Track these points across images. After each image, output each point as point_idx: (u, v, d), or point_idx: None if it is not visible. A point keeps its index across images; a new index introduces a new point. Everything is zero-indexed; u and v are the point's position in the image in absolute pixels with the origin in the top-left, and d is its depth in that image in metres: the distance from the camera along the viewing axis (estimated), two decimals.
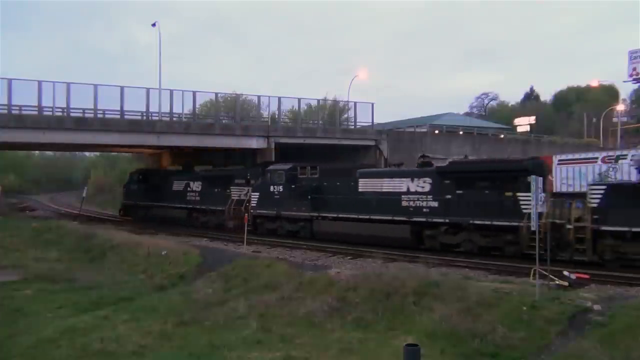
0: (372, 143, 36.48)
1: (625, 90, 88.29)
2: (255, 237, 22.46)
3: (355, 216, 21.23)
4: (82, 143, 32.90)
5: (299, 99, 37.27)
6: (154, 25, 36.22)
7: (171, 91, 32.59)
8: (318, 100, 41.66)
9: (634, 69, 57.37)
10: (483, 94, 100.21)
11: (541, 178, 12.26)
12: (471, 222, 17.83)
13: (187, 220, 31.83)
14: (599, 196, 15.27)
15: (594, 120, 66.66)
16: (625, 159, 21.82)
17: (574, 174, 23.76)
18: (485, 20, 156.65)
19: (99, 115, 30.73)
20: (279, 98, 36.10)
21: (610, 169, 22.06)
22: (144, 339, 10.69)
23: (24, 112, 29.17)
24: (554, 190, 21.56)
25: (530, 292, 11.13)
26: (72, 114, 29.88)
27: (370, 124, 38.38)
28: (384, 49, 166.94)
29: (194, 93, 33.73)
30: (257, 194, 25.86)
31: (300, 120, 38.04)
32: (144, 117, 32.12)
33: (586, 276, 13.31)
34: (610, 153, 24.29)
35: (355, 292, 12.12)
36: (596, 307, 10.35)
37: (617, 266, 14.63)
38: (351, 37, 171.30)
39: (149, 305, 13.64)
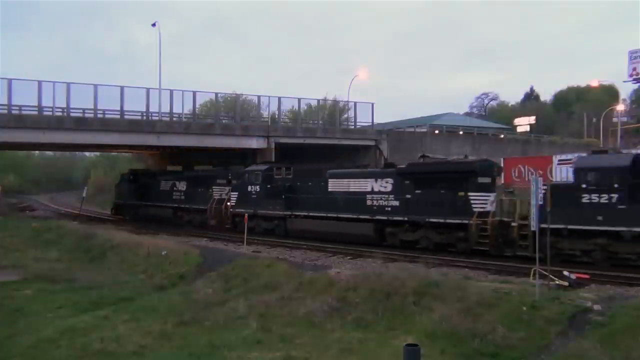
0: (372, 143, 36.49)
1: (625, 90, 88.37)
2: (255, 237, 22.50)
3: (325, 214, 22.30)
4: (82, 143, 32.97)
5: (299, 99, 37.34)
6: (154, 25, 36.30)
7: (171, 91, 32.64)
8: (318, 100, 41.74)
9: (634, 69, 57.50)
10: (483, 94, 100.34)
11: (541, 178, 12.24)
12: (427, 220, 18.89)
13: (172, 219, 32.88)
14: (541, 195, 15.70)
15: (594, 120, 66.65)
16: None
17: None
18: (485, 20, 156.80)
19: (99, 115, 30.77)
20: (279, 98, 36.15)
21: None
22: (144, 339, 10.69)
23: (24, 112, 29.19)
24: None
25: (530, 292, 11.13)
26: (72, 114, 29.91)
27: (370, 124, 38.40)
28: (384, 49, 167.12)
29: (194, 93, 33.79)
30: (236, 193, 26.93)
31: (300, 120, 38.05)
32: (144, 117, 32.14)
33: (586, 276, 13.31)
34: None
35: (355, 292, 12.11)
36: (596, 307, 10.35)
37: (557, 262, 15.24)
38: (351, 37, 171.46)
39: (149, 305, 13.63)
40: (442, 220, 18.55)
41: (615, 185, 14.87)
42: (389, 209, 20.26)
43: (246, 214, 21.97)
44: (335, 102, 45.28)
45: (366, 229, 20.84)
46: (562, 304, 10.44)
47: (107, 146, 39.54)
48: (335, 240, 21.13)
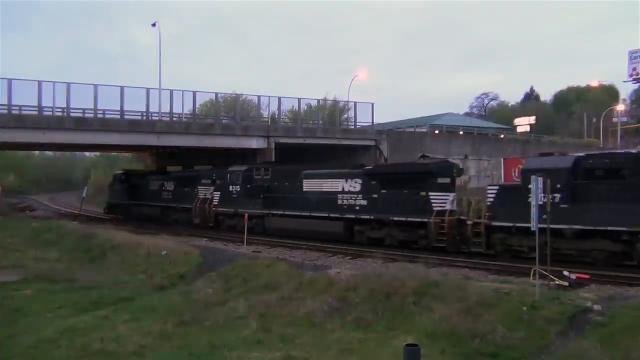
0: (372, 143, 36.47)
1: (625, 90, 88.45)
2: (255, 237, 22.51)
3: (300, 213, 23.24)
4: (82, 143, 32.93)
5: (299, 99, 37.32)
6: (154, 25, 36.31)
7: (171, 91, 32.62)
8: (318, 100, 41.71)
9: (634, 69, 57.49)
10: (483, 94, 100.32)
11: (540, 178, 12.22)
12: (391, 218, 19.95)
13: (160, 218, 33.93)
14: (493, 195, 17.53)
15: (594, 120, 66.67)
16: None
17: None
18: (485, 20, 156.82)
19: (99, 115, 30.75)
20: (279, 98, 36.13)
21: None
22: (144, 339, 10.68)
23: (24, 112, 29.18)
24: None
25: (530, 292, 11.13)
26: (72, 114, 29.89)
27: (370, 124, 38.38)
28: (384, 49, 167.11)
29: (194, 93, 33.78)
30: (219, 193, 28.21)
31: (300, 120, 38.04)
32: (144, 117, 32.13)
33: (586, 276, 13.31)
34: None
35: (355, 292, 12.11)
36: (596, 307, 10.35)
37: (508, 257, 16.67)
38: (351, 37, 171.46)
39: (149, 305, 13.63)
40: (404, 219, 19.55)
41: (558, 186, 15.46)
42: (358, 208, 21.30)
43: (246, 214, 22.04)
44: (335, 102, 45.29)
45: (337, 227, 21.83)
46: (562, 304, 10.43)
47: (107, 146, 39.51)
48: (308, 237, 21.98)
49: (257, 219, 25.40)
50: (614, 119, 66.16)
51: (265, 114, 37.43)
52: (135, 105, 31.75)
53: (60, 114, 29.62)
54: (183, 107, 34.06)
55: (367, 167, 22.17)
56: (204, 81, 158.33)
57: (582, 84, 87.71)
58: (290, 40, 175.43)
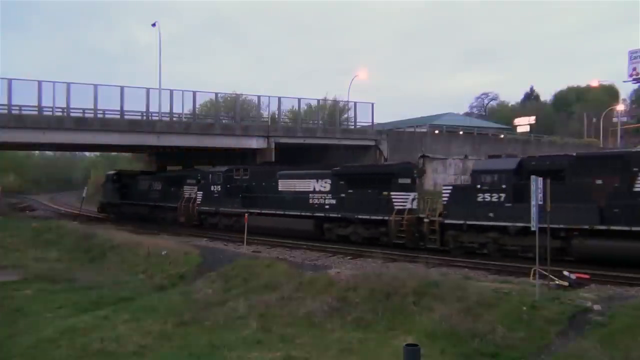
0: (372, 143, 36.47)
1: (625, 90, 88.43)
2: (255, 237, 22.53)
3: (274, 212, 24.24)
4: (82, 143, 32.96)
5: (299, 99, 37.34)
6: (154, 25, 36.36)
7: (171, 91, 32.65)
8: (318, 100, 41.74)
9: (634, 69, 57.54)
10: (483, 94, 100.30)
11: (541, 179, 12.22)
12: (356, 216, 21.09)
13: (149, 217, 35.00)
14: (447, 195, 18.64)
15: (594, 120, 66.67)
16: None
17: None
18: (485, 20, 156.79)
19: (99, 115, 30.77)
20: (279, 98, 36.15)
21: None
22: (144, 339, 10.68)
23: (24, 112, 29.19)
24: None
25: (530, 292, 11.12)
26: (72, 114, 29.92)
27: (370, 124, 38.39)
28: (384, 49, 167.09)
29: (194, 93, 33.80)
30: (202, 192, 29.58)
31: (300, 120, 38.05)
32: (144, 117, 32.14)
33: (586, 276, 13.32)
34: None
35: (355, 292, 12.10)
36: (596, 307, 10.34)
37: (460, 253, 17.73)
38: (351, 37, 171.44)
39: (149, 305, 13.63)
40: (368, 217, 20.65)
41: (503, 186, 16.89)
42: (327, 206, 22.47)
43: (246, 214, 22.11)
44: (335, 102, 45.31)
45: (308, 224, 22.90)
46: (562, 304, 10.43)
47: (107, 146, 39.56)
48: (283, 235, 22.93)
49: (236, 217, 26.30)
50: (614, 119, 66.15)
51: (265, 114, 37.50)
52: (135, 105, 31.84)
53: (60, 114, 29.64)
54: (183, 107, 34.16)
55: (335, 168, 23.26)
56: (204, 81, 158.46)
57: (582, 84, 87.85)
58: (290, 40, 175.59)
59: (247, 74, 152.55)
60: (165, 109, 32.32)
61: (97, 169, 68.08)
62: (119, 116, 31.04)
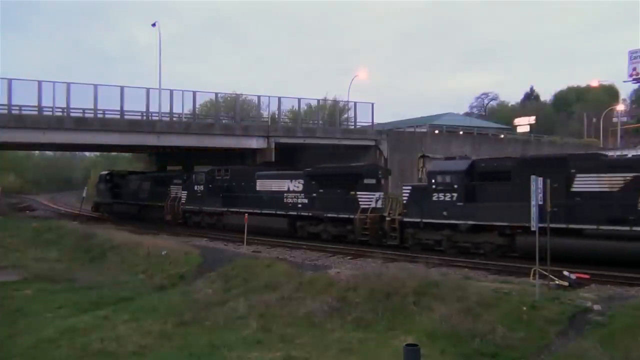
0: (372, 143, 36.45)
1: (625, 90, 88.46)
2: (254, 237, 22.55)
3: (252, 210, 24.70)
4: (82, 143, 32.93)
5: (299, 99, 37.31)
6: (154, 25, 36.33)
7: (171, 91, 32.62)
8: (318, 100, 41.70)
9: (634, 69, 57.59)
10: (483, 94, 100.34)
11: (541, 178, 12.23)
12: (325, 215, 22.26)
13: (138, 215, 36.52)
14: (407, 195, 19.57)
15: (594, 120, 66.66)
16: None
17: None
18: (485, 20, 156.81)
19: (99, 115, 30.75)
20: (279, 98, 36.13)
21: None
22: (144, 339, 10.68)
23: (24, 112, 29.17)
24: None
25: (530, 292, 11.12)
26: (72, 114, 29.89)
27: (370, 124, 38.36)
28: (384, 49, 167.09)
29: (194, 93, 33.77)
30: (186, 192, 30.98)
31: (300, 120, 38.03)
32: (144, 117, 32.11)
33: (586, 276, 13.31)
34: None
35: (355, 292, 12.10)
36: (596, 307, 10.34)
37: (419, 249, 18.45)
38: (351, 37, 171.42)
39: (149, 305, 13.63)
40: (336, 215, 21.85)
41: (455, 186, 17.95)
42: (300, 205, 23.60)
43: (246, 214, 22.14)
44: (335, 102, 45.30)
45: (282, 222, 23.94)
46: (562, 304, 10.43)
47: (107, 146, 39.56)
48: (260, 233, 23.65)
49: (217, 216, 27.91)
50: (614, 119, 66.18)
51: (265, 114, 37.47)
52: (135, 105, 31.80)
53: (60, 114, 29.61)
54: (183, 107, 34.12)
55: (308, 169, 24.41)
56: (204, 81, 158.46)
57: (582, 84, 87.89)
58: (290, 40, 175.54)
59: (247, 74, 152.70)
60: (165, 109, 32.32)
61: (97, 169, 67.91)
62: (119, 116, 31.02)
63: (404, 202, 19.58)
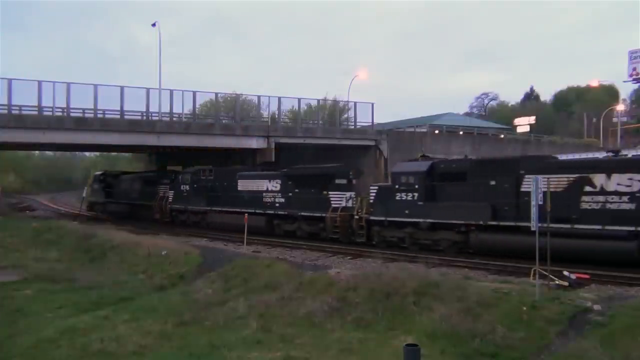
0: (372, 143, 36.46)
1: (625, 90, 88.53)
2: (254, 237, 22.57)
3: (233, 209, 26.06)
4: (82, 143, 32.93)
5: (299, 99, 37.31)
6: (154, 25, 36.30)
7: (171, 91, 32.64)
8: (318, 100, 41.70)
9: (634, 69, 57.58)
10: (483, 94, 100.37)
11: (541, 178, 12.22)
12: (300, 213, 23.30)
13: (129, 214, 37.77)
14: (373, 194, 20.45)
15: (594, 120, 66.65)
16: None
17: None
18: (485, 20, 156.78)
19: (99, 115, 30.76)
20: (279, 98, 36.13)
21: None
22: (144, 339, 10.68)
23: (24, 112, 29.18)
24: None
25: (530, 292, 11.11)
26: (72, 114, 29.90)
27: (370, 124, 38.37)
28: (384, 49, 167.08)
29: (194, 93, 33.79)
30: (172, 192, 32.21)
31: (300, 120, 38.03)
32: (144, 117, 32.13)
33: (586, 276, 13.31)
34: None
35: (355, 292, 12.09)
36: (596, 307, 10.33)
37: (384, 246, 19.52)
38: (351, 37, 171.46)
39: (149, 305, 13.63)
40: (309, 214, 22.83)
41: (416, 187, 18.93)
42: (277, 204, 24.65)
43: (246, 214, 22.20)
44: (335, 102, 45.30)
45: (261, 221, 24.68)
46: (562, 304, 10.42)
47: (107, 146, 39.59)
48: (240, 231, 23.56)
49: (201, 215, 29.10)
50: (614, 119, 66.15)
51: (265, 114, 37.47)
52: (135, 105, 31.82)
53: (60, 114, 29.62)
54: (183, 107, 34.14)
55: (284, 170, 25.42)
56: (204, 81, 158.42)
57: (582, 84, 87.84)
58: (290, 40, 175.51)
59: (247, 74, 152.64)
60: (165, 109, 32.33)
61: (97, 169, 67.96)
62: (119, 116, 31.02)
63: (371, 201, 20.47)
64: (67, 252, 22.30)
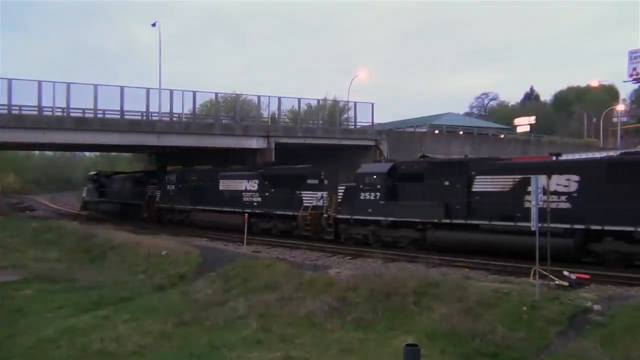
0: (372, 143, 36.47)
1: (625, 90, 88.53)
2: (254, 237, 22.57)
3: (215, 208, 27.45)
4: (82, 143, 32.94)
5: (299, 99, 37.33)
6: (154, 25, 36.32)
7: (171, 91, 32.64)
8: (318, 100, 41.70)
9: (634, 69, 57.57)
10: (483, 94, 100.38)
11: (540, 178, 12.21)
12: (275, 212, 24.32)
13: (119, 213, 38.81)
14: (341, 194, 21.33)
15: (594, 120, 66.64)
16: None
17: None
18: (485, 20, 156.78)
19: (99, 115, 30.76)
20: (279, 98, 36.14)
21: None
22: (144, 339, 10.68)
23: (24, 112, 29.18)
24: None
25: (530, 292, 11.11)
26: (72, 114, 29.91)
27: (370, 124, 38.37)
28: (384, 49, 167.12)
29: (194, 93, 33.79)
30: (160, 191, 33.38)
31: (300, 120, 38.03)
32: (144, 117, 32.14)
33: (586, 276, 13.30)
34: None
35: (355, 292, 12.09)
36: (596, 307, 10.33)
37: (351, 243, 20.57)
38: (351, 37, 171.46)
39: (149, 305, 13.63)
40: (283, 213, 23.82)
41: (378, 186, 19.87)
42: (255, 203, 25.65)
43: (246, 214, 22.27)
44: (335, 102, 45.31)
45: (240, 219, 24.16)
46: (562, 304, 10.41)
47: (107, 146, 39.57)
48: (222, 229, 25.97)
49: (187, 213, 30.28)
50: (614, 119, 66.14)
51: (265, 114, 37.48)
52: (135, 105, 31.84)
53: (60, 114, 29.62)
54: (183, 107, 34.16)
55: (261, 170, 26.33)
56: (204, 81, 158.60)
57: (582, 84, 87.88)
58: (290, 40, 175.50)
59: (247, 74, 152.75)
60: (165, 109, 32.33)
61: (97, 169, 67.98)
62: (119, 116, 31.02)
63: (339, 200, 21.37)
64: (67, 252, 22.30)
